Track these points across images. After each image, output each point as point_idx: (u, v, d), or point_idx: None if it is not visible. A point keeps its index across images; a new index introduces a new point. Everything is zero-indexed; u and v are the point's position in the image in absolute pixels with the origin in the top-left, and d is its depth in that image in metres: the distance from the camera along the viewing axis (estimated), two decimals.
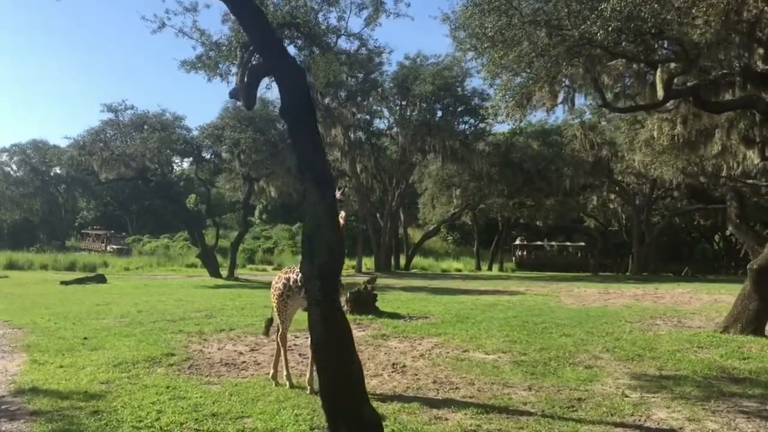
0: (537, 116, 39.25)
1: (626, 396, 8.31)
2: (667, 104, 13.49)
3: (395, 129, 44.22)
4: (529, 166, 39.58)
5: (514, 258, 56.73)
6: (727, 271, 56.06)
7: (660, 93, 12.78)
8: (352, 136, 40.97)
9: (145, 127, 30.98)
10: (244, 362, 10.73)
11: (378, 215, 45.57)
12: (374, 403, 6.53)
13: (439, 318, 15.82)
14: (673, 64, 12.57)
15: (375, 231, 44.25)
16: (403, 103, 41.04)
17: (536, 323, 14.61)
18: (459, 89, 39.35)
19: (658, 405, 7.92)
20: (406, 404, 7.88)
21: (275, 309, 9.11)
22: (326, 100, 39.10)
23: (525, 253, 55.72)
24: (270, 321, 9.44)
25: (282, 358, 9.05)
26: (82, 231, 78.60)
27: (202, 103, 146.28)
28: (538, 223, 55.67)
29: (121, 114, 31.64)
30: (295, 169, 36.83)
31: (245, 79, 8.40)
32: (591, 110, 32.83)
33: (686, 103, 13.80)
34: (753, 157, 21.76)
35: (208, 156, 33.59)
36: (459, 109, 39.77)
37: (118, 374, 9.53)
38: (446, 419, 7.35)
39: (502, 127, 43.61)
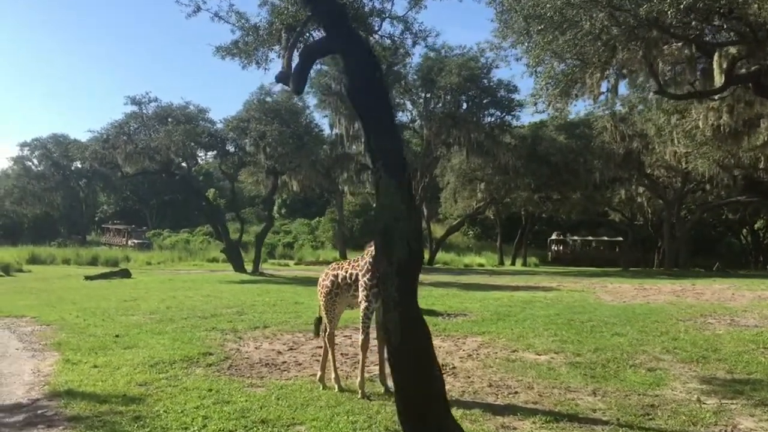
0: (577, 106, 38.39)
1: (702, 402, 7.70)
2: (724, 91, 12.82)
3: (418, 122, 43.61)
4: (556, 158, 38.80)
5: (550, 252, 56.38)
6: (756, 265, 55.10)
7: (717, 78, 12.13)
8: None
9: (170, 119, 30.60)
10: (285, 362, 10.23)
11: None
12: None
13: (478, 315, 15.26)
14: (733, 49, 11.91)
15: None
16: (428, 95, 40.38)
17: (582, 321, 14.00)
18: (485, 81, 38.62)
19: (741, 413, 7.31)
20: (467, 411, 7.33)
21: (323, 307, 8.57)
22: None
23: (561, 247, 55.33)
24: (319, 320, 8.91)
25: (330, 359, 8.52)
26: (103, 225, 78.69)
27: (222, 97, 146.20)
28: (561, 217, 55.00)
29: (144, 106, 31.31)
30: (320, 163, 36.48)
31: (292, 62, 7.88)
32: (630, 100, 31.90)
33: (745, 89, 13.09)
34: None
35: (232, 149, 33.12)
36: (485, 101, 39.03)
37: (155, 375, 9.08)
38: (515, 428, 6.81)
39: (527, 119, 42.92)
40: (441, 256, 51.61)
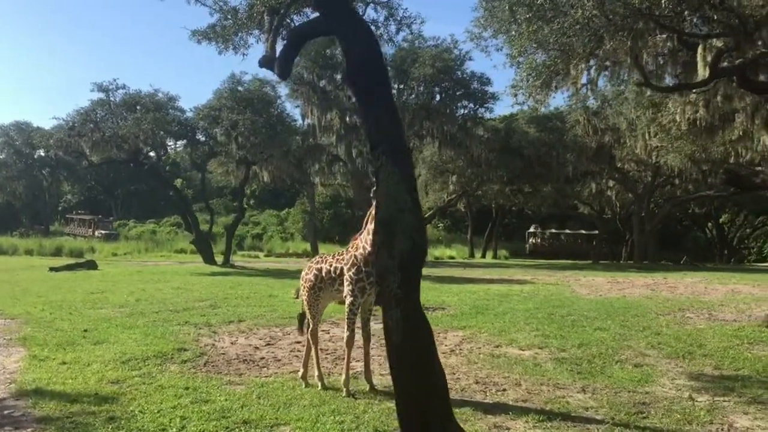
0: (555, 99, 38.29)
1: (694, 400, 7.56)
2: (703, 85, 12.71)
3: None
4: (529, 151, 38.75)
5: (527, 245, 56.70)
6: (721, 259, 55.95)
7: (701, 71, 12.02)
8: (348, 120, 39.91)
9: (138, 107, 29.79)
10: (263, 358, 9.89)
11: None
12: None
13: (456, 309, 15.06)
14: (718, 42, 11.80)
15: None
16: (401, 86, 40.00)
17: (563, 315, 13.88)
18: (458, 73, 38.35)
19: (734, 410, 7.18)
20: (457, 410, 7.02)
21: (306, 303, 8.24)
22: (322, 83, 38.04)
23: (539, 240, 55.67)
24: (303, 316, 8.57)
25: (313, 356, 8.21)
26: (66, 216, 76.97)
27: (192, 86, 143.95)
28: (531, 210, 55.26)
29: (112, 93, 30.41)
30: (293, 153, 35.93)
31: (276, 45, 7.52)
32: (603, 94, 31.94)
33: (728, 82, 13.02)
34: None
35: (202, 138, 32.39)
36: (458, 93, 38.76)
37: (128, 372, 8.69)
38: (507, 428, 6.57)
39: (499, 111, 42.81)
40: None
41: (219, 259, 33.37)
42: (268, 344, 11.07)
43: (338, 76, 38.64)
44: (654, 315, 14.01)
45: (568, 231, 57.77)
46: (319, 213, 59.83)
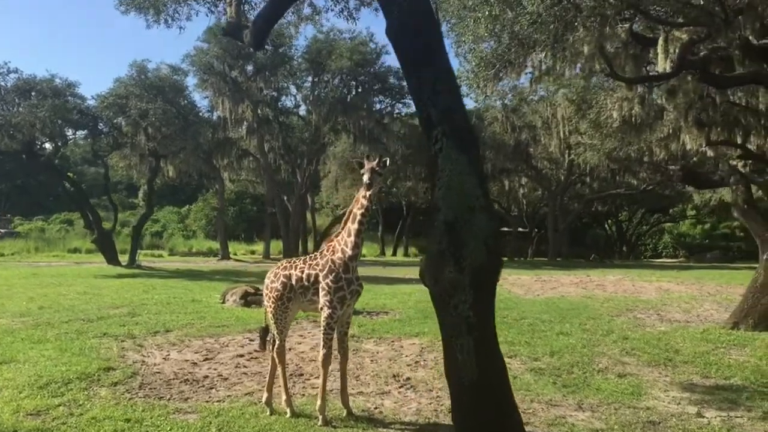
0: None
1: (702, 416, 6.91)
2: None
3: (303, 107, 41.99)
4: None
5: None
6: (620, 255, 57.92)
7: (662, 63, 11.59)
8: (260, 112, 38.31)
9: (33, 93, 27.09)
10: (206, 377, 8.58)
11: (285, 198, 43.09)
12: None
13: (401, 313, 14.16)
14: (681, 34, 11.39)
15: (282, 214, 41.72)
16: (316, 79, 38.79)
17: (516, 319, 13.20)
18: (375, 66, 37.56)
19: (754, 428, 6.57)
20: None
21: (271, 315, 7.01)
22: (233, 73, 36.30)
23: None
24: (266, 331, 7.34)
25: (280, 377, 7.01)
26: None
27: (90, 72, 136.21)
28: None
29: (2, 78, 27.50)
30: (208, 144, 33.95)
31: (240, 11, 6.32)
32: (522, 91, 31.97)
33: (693, 76, 12.66)
34: (695, 140, 21.32)
35: (106, 129, 29.89)
36: (375, 87, 37.95)
37: (49, 400, 7.22)
38: None
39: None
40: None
41: (122, 259, 31.07)
42: (207, 359, 9.74)
43: (250, 67, 37.09)
44: (608, 317, 13.56)
45: (505, 229, 58.51)
46: (215, 210, 57.67)
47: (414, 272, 27.78)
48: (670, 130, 20.07)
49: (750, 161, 21.34)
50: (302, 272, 6.80)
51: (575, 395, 7.74)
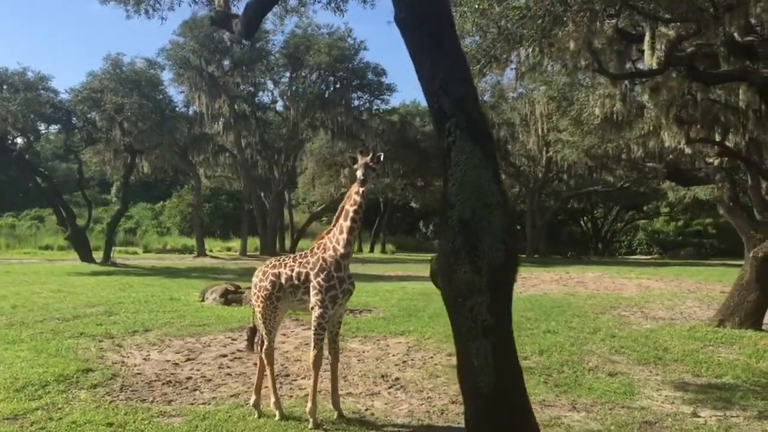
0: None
1: (698, 416, 6.82)
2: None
3: (280, 103, 41.62)
4: (426, 145, 38.28)
5: None
6: (596, 251, 58.35)
7: (648, 60, 11.55)
8: (237, 108, 37.85)
9: (5, 87, 26.42)
10: (189, 378, 8.33)
11: (262, 194, 42.67)
12: None
13: (385, 311, 13.99)
14: (668, 30, 11.35)
15: (259, 211, 41.31)
16: (293, 75, 38.43)
17: None
18: (354, 62, 37.30)
19: (751, 428, 6.48)
20: None
21: (259, 315, 6.78)
22: (210, 68, 35.82)
23: None
24: (253, 331, 7.11)
25: (269, 379, 6.79)
26: None
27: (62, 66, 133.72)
28: (417, 204, 55.19)
29: None
30: (184, 140, 33.43)
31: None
32: (502, 88, 31.99)
33: (678, 73, 12.63)
34: (674, 137, 21.41)
35: (80, 123, 29.23)
36: (354, 83, 37.69)
37: (26, 404, 6.94)
38: None
39: (395, 101, 42.18)
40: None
41: (96, 256, 30.49)
42: (189, 359, 9.48)
43: (227, 62, 36.66)
44: (593, 315, 13.50)
45: None
46: (192, 207, 57.05)
47: (393, 269, 27.74)
48: (651, 128, 20.15)
49: (726, 158, 21.57)
50: (292, 270, 6.58)
51: (568, 395, 7.62)
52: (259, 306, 6.73)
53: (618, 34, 12.42)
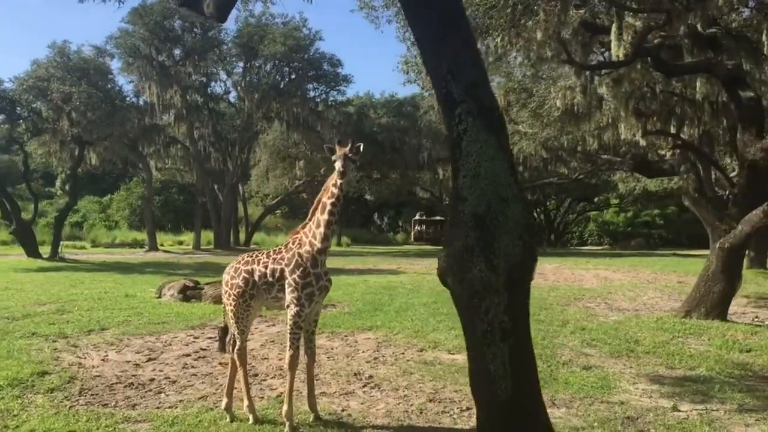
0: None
1: (678, 410, 6.76)
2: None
3: (233, 93, 40.85)
4: (382, 137, 38.01)
5: (413, 232, 57.14)
6: (548, 243, 59.10)
7: (615, 50, 11.51)
8: (189, 98, 36.96)
9: None
10: (153, 380, 7.93)
11: (216, 187, 41.84)
12: None
13: (349, 306, 13.73)
14: (634, 21, 11.33)
15: (213, 204, 40.49)
16: (247, 65, 37.71)
17: None
18: (309, 53, 36.78)
19: (732, 421, 6.43)
20: None
21: (231, 314, 6.42)
22: (161, 57, 34.87)
23: (424, 227, 56.18)
24: (225, 331, 6.74)
25: (241, 381, 6.47)
26: None
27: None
28: (368, 197, 55.11)
29: None
30: (134, 131, 32.44)
31: None
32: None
33: (643, 64, 12.64)
34: (630, 129, 21.63)
35: (25, 113, 28.03)
36: (309, 74, 37.16)
37: None
38: None
39: (351, 93, 41.80)
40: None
41: (42, 251, 29.43)
42: (150, 359, 9.06)
43: (178, 51, 35.77)
44: (558, 307, 13.48)
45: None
46: (143, 200, 55.83)
47: (353, 263, 27.44)
48: (609, 120, 20.28)
49: (677, 150, 21.94)
50: (266, 267, 6.25)
51: (545, 390, 7.40)
52: (231, 304, 6.38)
53: (582, 26, 12.38)
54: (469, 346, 3.38)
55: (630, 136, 22.66)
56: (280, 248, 6.38)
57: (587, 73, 16.02)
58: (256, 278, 6.26)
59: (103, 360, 8.92)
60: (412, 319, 12.01)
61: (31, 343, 9.76)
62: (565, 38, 11.70)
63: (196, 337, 10.53)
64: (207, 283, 14.94)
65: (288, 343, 6.13)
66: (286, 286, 6.10)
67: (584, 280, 19.03)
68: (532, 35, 11.95)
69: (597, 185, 51.36)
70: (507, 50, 12.49)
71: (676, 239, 55.41)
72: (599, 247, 55.15)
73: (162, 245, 41.94)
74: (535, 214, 65.75)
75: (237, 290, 6.31)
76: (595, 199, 59.80)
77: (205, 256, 33.69)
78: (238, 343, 6.43)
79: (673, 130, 20.23)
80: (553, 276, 20.27)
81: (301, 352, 6.31)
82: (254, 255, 6.51)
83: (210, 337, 10.45)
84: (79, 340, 10.14)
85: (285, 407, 6.07)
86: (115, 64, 34.87)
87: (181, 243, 46.87)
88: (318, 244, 6.07)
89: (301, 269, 6.04)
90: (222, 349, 6.77)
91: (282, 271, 6.15)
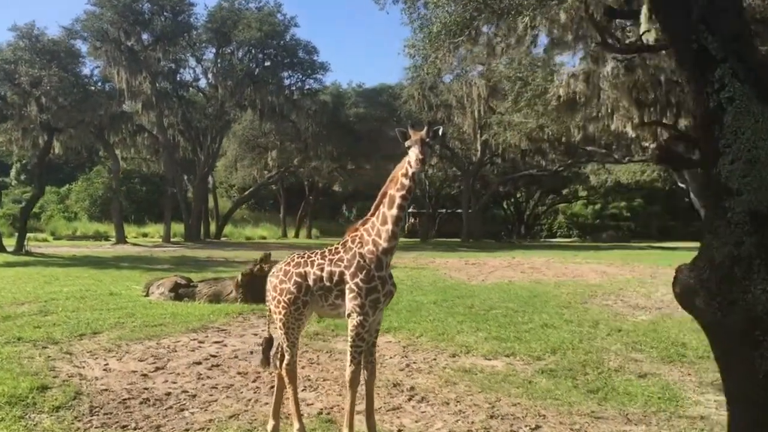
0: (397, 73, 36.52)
1: None
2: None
3: (203, 81, 39.52)
4: (359, 127, 37.08)
5: (406, 225, 56.81)
6: (518, 235, 59.29)
7: (647, 32, 10.90)
8: (158, 85, 35.53)
9: None
10: (169, 394, 7.00)
11: (186, 177, 40.45)
12: None
13: None
14: None
15: (183, 195, 39.12)
16: (220, 51, 36.41)
17: (485, 310, 12.26)
18: (285, 39, 35.66)
19: None
20: None
21: (280, 323, 5.52)
22: (130, 42, 33.40)
23: (417, 219, 55.79)
24: (269, 342, 5.78)
25: (290, 400, 5.60)
26: None
27: None
28: (336, 188, 54.26)
29: None
30: (100, 118, 30.83)
31: None
32: (436, 67, 31.21)
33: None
34: (622, 120, 21.26)
35: None
36: (285, 61, 36.02)
37: None
38: None
39: (328, 81, 40.78)
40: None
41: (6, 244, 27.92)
42: (158, 368, 8.10)
43: (146, 36, 34.36)
44: (577, 305, 12.87)
45: (443, 210, 59.39)
46: (110, 190, 54.02)
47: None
48: (609, 110, 19.83)
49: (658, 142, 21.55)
50: (321, 269, 5.36)
51: (609, 402, 6.79)
52: (280, 312, 5.47)
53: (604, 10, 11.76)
54: (737, 393, 2.59)
55: (621, 127, 22.29)
56: (337, 248, 5.50)
57: (605, 57, 15.49)
58: (311, 282, 5.38)
59: (105, 370, 7.95)
60: (429, 319, 11.24)
61: (19, 350, 8.72)
62: (597, 20, 11.00)
63: (201, 342, 9.60)
64: (200, 281, 13.96)
65: (349, 358, 5.28)
66: (347, 291, 5.24)
67: (584, 275, 18.52)
68: (555, 17, 11.28)
69: (568, 177, 51.36)
70: (524, 32, 11.77)
71: (643, 231, 55.82)
72: (569, 240, 55.20)
73: (126, 238, 40.48)
74: (504, 206, 65.79)
75: (288, 296, 5.41)
76: (563, 192, 59.90)
77: (179, 250, 32.43)
78: (287, 357, 5.54)
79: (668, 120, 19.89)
80: (549, 271, 19.72)
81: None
82: (305, 255, 5.62)
83: (216, 342, 9.57)
84: (72, 346, 9.11)
85: (345, 431, 5.25)
86: (81, 48, 33.35)
87: (145, 235, 45.24)
88: (384, 243, 5.21)
89: (364, 272, 5.18)
90: (266, 363, 5.83)
91: (341, 274, 5.28)
